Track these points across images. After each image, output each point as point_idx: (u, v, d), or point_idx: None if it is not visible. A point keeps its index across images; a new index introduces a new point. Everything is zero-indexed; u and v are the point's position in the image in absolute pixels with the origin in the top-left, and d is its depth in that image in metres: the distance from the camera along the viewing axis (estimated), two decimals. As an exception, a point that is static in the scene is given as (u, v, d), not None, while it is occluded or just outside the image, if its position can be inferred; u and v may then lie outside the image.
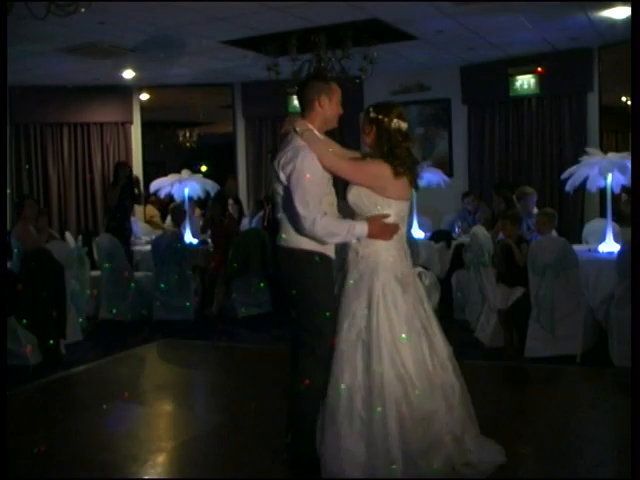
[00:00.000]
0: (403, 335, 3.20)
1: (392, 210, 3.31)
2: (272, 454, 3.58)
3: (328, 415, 3.20)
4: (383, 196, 3.29)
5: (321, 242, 3.27)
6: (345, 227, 3.26)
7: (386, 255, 3.30)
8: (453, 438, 3.25)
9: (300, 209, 3.17)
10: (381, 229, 3.28)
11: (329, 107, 3.37)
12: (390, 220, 3.30)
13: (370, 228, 3.26)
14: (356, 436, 3.15)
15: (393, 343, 3.19)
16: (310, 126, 3.33)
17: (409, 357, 3.20)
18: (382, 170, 3.29)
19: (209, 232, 8.05)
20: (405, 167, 3.29)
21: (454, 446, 3.24)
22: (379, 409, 3.12)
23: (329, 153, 3.30)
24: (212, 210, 8.04)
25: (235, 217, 8.47)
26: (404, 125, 3.36)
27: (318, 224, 3.17)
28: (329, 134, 3.51)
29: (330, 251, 3.37)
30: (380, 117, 3.33)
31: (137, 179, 9.10)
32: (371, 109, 3.39)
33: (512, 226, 5.80)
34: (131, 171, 8.87)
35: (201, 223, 8.85)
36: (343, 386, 3.18)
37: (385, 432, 3.11)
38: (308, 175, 3.18)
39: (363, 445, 3.14)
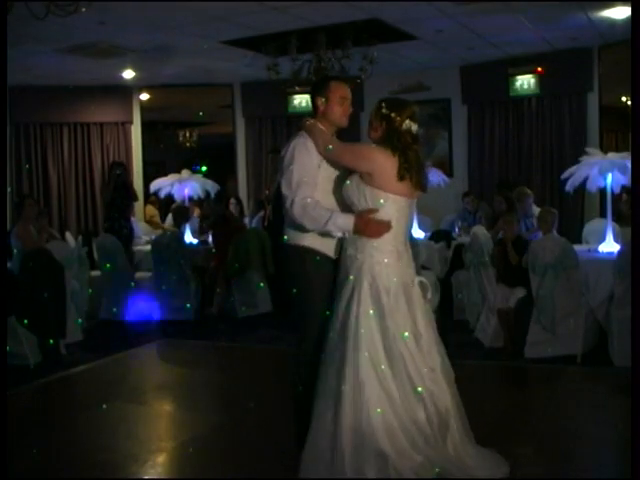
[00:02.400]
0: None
1: (388, 205, 3.12)
2: (272, 454, 3.58)
3: (312, 417, 3.12)
4: (377, 187, 3.11)
5: (303, 228, 3.22)
6: (327, 215, 3.15)
7: (377, 256, 3.12)
8: (446, 451, 3.07)
9: (284, 189, 3.23)
10: (367, 225, 3.10)
11: (327, 106, 3.37)
12: (384, 217, 3.12)
13: (356, 222, 3.12)
14: (327, 445, 3.04)
15: (370, 343, 3.04)
16: (319, 124, 3.35)
17: (385, 360, 3.04)
18: (376, 155, 3.13)
19: (209, 232, 8.04)
20: (412, 170, 3.13)
21: (452, 460, 3.07)
22: (350, 415, 2.99)
23: (326, 140, 3.26)
24: (214, 210, 8.00)
25: (236, 215, 8.46)
26: (415, 126, 3.19)
27: (297, 204, 3.16)
28: None
29: (326, 248, 3.31)
30: (392, 115, 3.17)
31: (128, 176, 9.01)
32: (383, 104, 3.21)
33: (517, 226, 5.82)
34: (124, 170, 8.78)
35: (202, 224, 8.85)
36: (321, 389, 3.10)
37: (354, 441, 2.98)
38: (296, 158, 3.23)
39: (329, 454, 3.02)
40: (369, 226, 3.11)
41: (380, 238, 3.13)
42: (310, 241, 3.29)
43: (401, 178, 3.11)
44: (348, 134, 3.60)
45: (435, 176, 8.30)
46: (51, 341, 5.70)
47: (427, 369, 3.09)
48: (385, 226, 3.12)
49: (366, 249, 3.14)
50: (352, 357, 3.04)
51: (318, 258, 3.30)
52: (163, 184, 8.55)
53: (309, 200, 3.17)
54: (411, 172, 3.14)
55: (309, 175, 3.22)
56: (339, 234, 3.19)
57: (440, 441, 3.07)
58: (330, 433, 3.03)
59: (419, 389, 3.04)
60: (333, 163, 3.30)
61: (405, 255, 3.22)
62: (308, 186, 3.20)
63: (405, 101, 3.30)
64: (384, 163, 3.12)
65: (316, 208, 3.18)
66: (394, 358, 3.05)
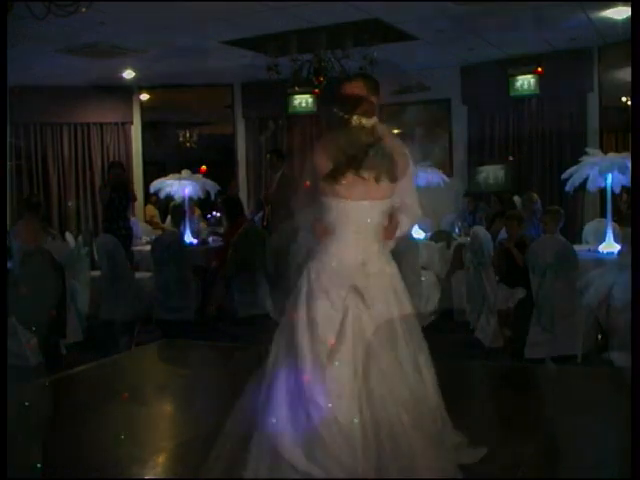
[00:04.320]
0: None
1: (326, 208, 3.02)
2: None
3: None
4: (320, 192, 3.03)
5: None
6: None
7: (324, 261, 3.01)
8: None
9: None
10: (312, 227, 3.10)
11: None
12: (327, 220, 3.02)
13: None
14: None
15: (286, 355, 2.97)
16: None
17: (294, 374, 2.93)
18: (314, 152, 3.08)
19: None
20: (351, 165, 2.93)
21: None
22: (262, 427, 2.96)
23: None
24: (224, 210, 7.96)
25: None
26: (365, 120, 2.98)
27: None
28: None
29: None
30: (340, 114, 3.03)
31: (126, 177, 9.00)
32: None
33: (519, 227, 5.81)
34: (122, 170, 8.75)
35: (201, 223, 8.85)
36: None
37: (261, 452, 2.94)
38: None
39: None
40: (313, 229, 3.10)
41: (325, 243, 3.04)
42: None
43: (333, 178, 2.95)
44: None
45: (435, 176, 8.30)
46: (51, 341, 5.70)
47: (334, 389, 2.86)
48: (320, 230, 3.04)
49: (313, 253, 3.08)
50: (271, 369, 3.03)
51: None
52: (163, 184, 8.55)
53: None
54: (351, 167, 2.93)
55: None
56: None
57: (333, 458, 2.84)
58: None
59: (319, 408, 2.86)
60: None
61: (368, 263, 3.01)
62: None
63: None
64: (315, 162, 3.02)
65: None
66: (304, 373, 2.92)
